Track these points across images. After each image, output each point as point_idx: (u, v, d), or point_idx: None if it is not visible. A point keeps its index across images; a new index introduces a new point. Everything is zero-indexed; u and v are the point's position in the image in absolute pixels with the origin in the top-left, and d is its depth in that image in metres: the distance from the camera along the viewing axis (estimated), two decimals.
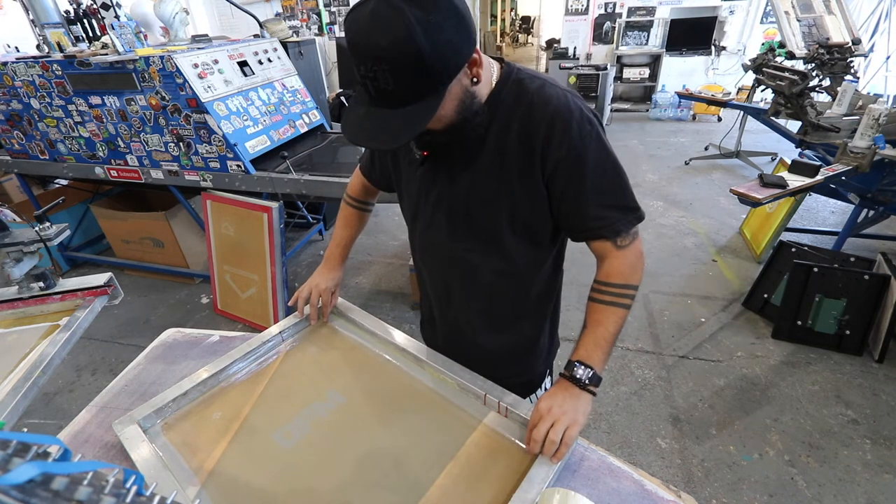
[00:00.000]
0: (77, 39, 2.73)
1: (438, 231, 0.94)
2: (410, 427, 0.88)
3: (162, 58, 2.27)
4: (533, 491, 0.73)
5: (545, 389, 1.14)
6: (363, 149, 1.36)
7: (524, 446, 0.81)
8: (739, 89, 4.40)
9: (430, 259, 1.02)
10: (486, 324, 1.02)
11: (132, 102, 2.47)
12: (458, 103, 0.73)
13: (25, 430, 0.41)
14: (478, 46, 0.72)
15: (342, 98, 4.82)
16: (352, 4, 0.66)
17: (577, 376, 0.83)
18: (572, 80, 5.78)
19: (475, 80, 0.74)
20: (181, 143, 2.52)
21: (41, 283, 1.21)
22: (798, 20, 3.28)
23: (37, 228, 1.18)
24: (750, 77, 3.57)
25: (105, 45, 2.56)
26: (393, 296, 2.94)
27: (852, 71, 3.00)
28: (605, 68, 5.76)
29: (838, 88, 2.83)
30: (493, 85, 0.80)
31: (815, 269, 2.26)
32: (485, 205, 0.86)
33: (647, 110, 6.71)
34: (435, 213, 0.92)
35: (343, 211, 1.18)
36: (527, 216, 0.86)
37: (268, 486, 0.78)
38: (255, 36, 3.18)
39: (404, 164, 0.95)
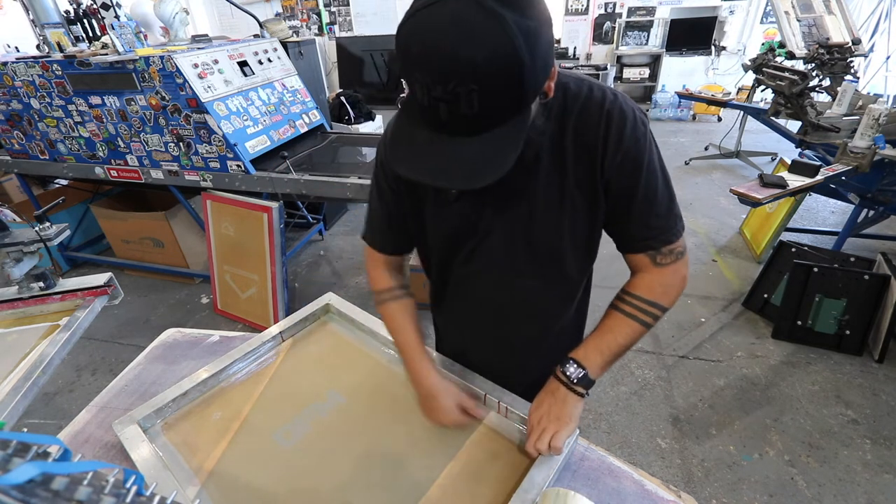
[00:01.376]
0: (77, 39, 2.73)
1: (488, 258, 0.84)
2: (410, 427, 0.88)
3: (162, 58, 2.27)
4: (533, 491, 0.73)
5: None
6: (365, 188, 1.15)
7: (524, 443, 0.81)
8: (739, 89, 4.40)
9: (470, 291, 0.92)
10: (534, 345, 0.97)
11: (132, 102, 2.47)
12: (529, 120, 0.62)
13: (25, 430, 0.41)
14: None
15: (342, 98, 4.83)
16: (414, 4, 0.53)
17: (567, 374, 0.80)
18: None
19: (545, 94, 0.62)
20: (181, 143, 2.52)
21: (41, 283, 1.21)
22: (798, 20, 3.28)
23: (37, 228, 1.18)
24: (750, 77, 3.57)
25: (105, 45, 2.56)
26: None
27: (852, 71, 2.99)
28: (605, 68, 5.77)
29: (838, 88, 2.83)
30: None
31: (815, 269, 2.26)
32: (547, 225, 0.78)
33: (647, 110, 6.71)
34: (484, 240, 0.82)
35: (388, 314, 0.94)
36: (588, 230, 0.80)
37: (268, 486, 0.78)
38: (255, 36, 3.18)
39: (429, 201, 0.82)
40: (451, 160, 0.56)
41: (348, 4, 7.48)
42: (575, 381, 0.80)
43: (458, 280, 0.92)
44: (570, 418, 0.79)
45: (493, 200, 0.77)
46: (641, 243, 0.78)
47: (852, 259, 2.42)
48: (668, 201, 0.76)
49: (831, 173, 2.27)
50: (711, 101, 4.42)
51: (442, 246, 0.87)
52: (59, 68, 2.48)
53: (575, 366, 0.80)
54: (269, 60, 2.89)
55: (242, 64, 2.68)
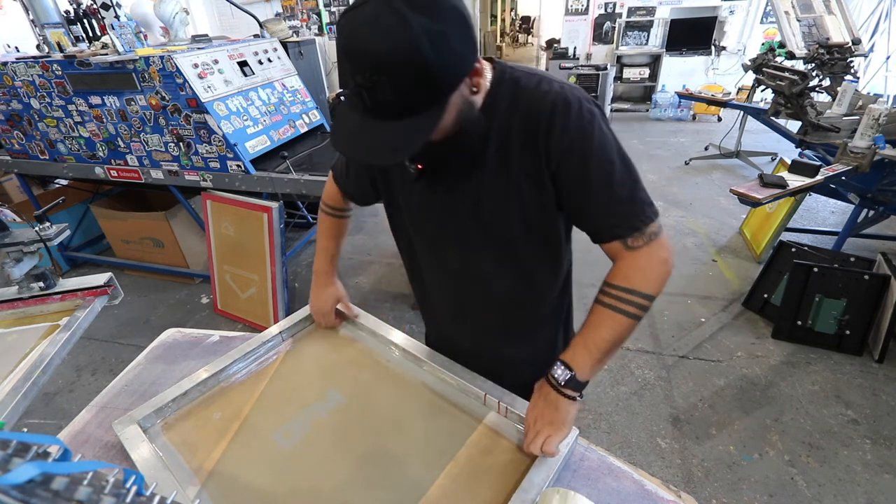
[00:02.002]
0: (77, 39, 2.73)
1: (446, 245, 0.90)
2: (410, 427, 0.88)
3: (162, 58, 2.27)
4: (533, 491, 0.73)
5: None
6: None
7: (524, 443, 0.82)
8: (739, 89, 4.40)
9: (437, 276, 0.98)
10: (503, 337, 0.99)
11: (132, 102, 2.47)
12: (456, 114, 0.69)
13: (25, 430, 0.41)
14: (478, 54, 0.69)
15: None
16: (348, 6, 0.62)
17: (555, 376, 0.80)
18: (572, 80, 5.78)
19: (475, 89, 0.70)
20: (181, 143, 2.52)
21: (41, 283, 1.21)
22: (798, 20, 3.28)
23: (37, 228, 1.18)
24: (750, 77, 3.57)
25: (105, 45, 2.56)
26: (393, 296, 2.94)
27: (852, 71, 3.00)
28: (605, 68, 5.76)
29: (838, 88, 2.83)
30: (488, 88, 0.76)
31: (815, 269, 2.26)
32: (496, 211, 0.81)
33: (647, 110, 6.70)
34: (441, 226, 0.88)
35: (323, 223, 1.13)
36: (538, 217, 0.82)
37: (268, 486, 0.78)
38: (255, 36, 3.18)
39: (398, 179, 0.89)
40: (376, 141, 0.65)
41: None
42: (563, 383, 0.79)
43: (426, 269, 0.98)
44: (563, 423, 0.79)
45: (448, 184, 0.83)
46: (608, 232, 0.78)
47: (852, 259, 2.42)
48: (630, 187, 0.76)
49: (831, 173, 2.27)
50: (711, 101, 4.43)
51: (411, 226, 0.94)
52: (59, 68, 2.48)
53: (562, 368, 0.80)
54: (269, 60, 2.89)
55: (242, 64, 2.68)
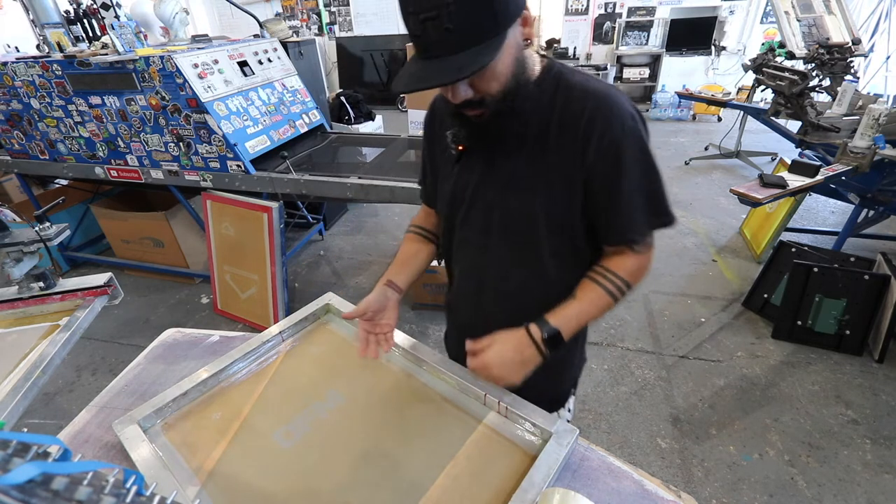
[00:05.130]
0: (77, 39, 2.73)
1: (472, 228, 0.90)
2: (410, 427, 0.88)
3: (162, 58, 2.27)
4: (533, 491, 0.73)
5: (570, 411, 1.09)
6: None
7: (523, 443, 0.81)
8: (739, 89, 4.40)
9: (461, 258, 0.98)
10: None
11: (132, 102, 2.47)
12: (513, 59, 0.70)
13: (25, 430, 0.41)
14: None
15: (342, 98, 4.83)
16: None
17: (538, 327, 0.81)
18: None
19: (527, 40, 0.72)
20: (181, 143, 2.52)
21: (41, 283, 1.21)
22: (798, 20, 3.28)
23: (37, 228, 1.18)
24: (750, 77, 3.57)
25: (105, 45, 2.56)
26: None
27: (852, 71, 3.00)
28: (605, 68, 5.78)
29: (838, 88, 2.83)
30: (536, 75, 0.77)
31: (815, 269, 2.26)
32: (522, 199, 0.82)
33: (647, 110, 6.70)
34: (470, 209, 0.89)
35: (405, 241, 1.08)
36: (563, 213, 0.81)
37: (268, 486, 0.78)
38: (255, 36, 3.18)
39: (441, 163, 0.93)
40: (435, 71, 0.67)
41: (348, 4, 7.49)
42: (546, 336, 0.81)
43: (455, 250, 0.98)
44: (518, 373, 0.81)
45: (483, 168, 0.84)
46: (621, 237, 0.81)
47: (852, 259, 2.42)
48: (656, 198, 0.79)
49: (831, 173, 2.27)
50: (711, 101, 4.43)
51: (445, 209, 0.95)
52: (59, 68, 2.48)
53: (548, 325, 0.82)
54: (269, 60, 2.89)
55: (242, 64, 2.68)
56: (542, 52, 0.81)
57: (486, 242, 0.89)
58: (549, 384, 0.99)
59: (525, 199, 0.81)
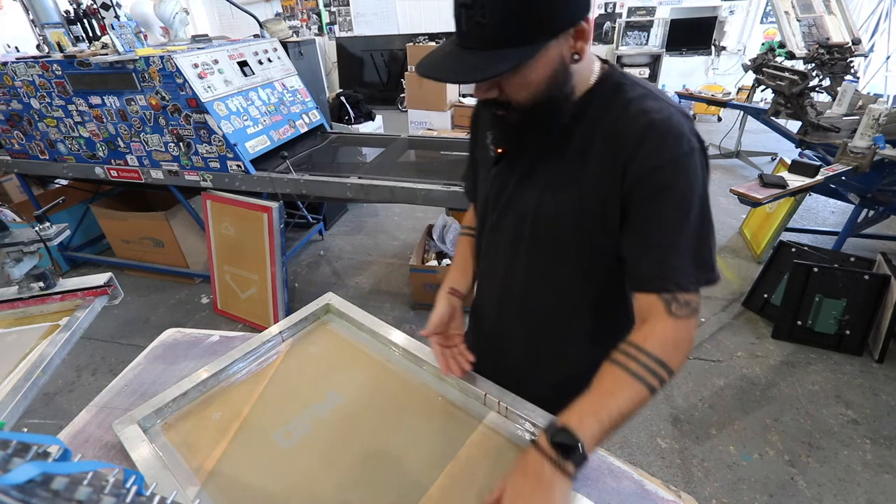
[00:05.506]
0: (77, 39, 2.73)
1: (502, 235, 0.86)
2: (410, 427, 0.88)
3: (162, 58, 2.27)
4: None
5: None
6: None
7: (524, 443, 0.81)
8: (739, 89, 4.40)
9: (487, 265, 0.95)
10: (532, 343, 0.93)
11: (132, 102, 2.47)
12: (551, 73, 0.64)
13: (25, 430, 0.41)
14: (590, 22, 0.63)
15: (342, 98, 4.83)
16: None
17: (554, 443, 0.64)
18: None
19: (576, 56, 0.65)
20: (181, 143, 2.52)
21: (41, 283, 1.21)
22: (798, 20, 3.28)
23: (37, 228, 1.18)
24: (750, 77, 3.57)
25: (105, 45, 2.56)
26: (393, 296, 2.94)
27: (852, 71, 3.00)
28: None
29: (838, 88, 2.83)
30: (591, 84, 0.71)
31: (815, 269, 2.26)
32: (555, 212, 0.76)
33: None
34: (502, 216, 0.84)
35: (459, 244, 1.08)
36: (593, 231, 0.74)
37: (268, 486, 0.78)
38: (255, 36, 3.18)
39: (482, 162, 0.90)
40: (458, 65, 0.63)
41: (348, 4, 7.48)
42: (565, 455, 0.63)
43: (484, 253, 0.95)
44: (548, 498, 0.62)
45: (520, 174, 0.80)
46: (655, 281, 0.68)
47: (852, 259, 2.42)
48: (698, 242, 0.67)
49: (831, 173, 2.27)
50: (711, 101, 4.43)
51: (482, 209, 0.92)
52: (59, 68, 2.48)
53: (565, 434, 0.64)
54: (269, 60, 2.89)
55: (242, 64, 2.68)
56: (603, 59, 0.75)
57: (514, 252, 0.85)
58: (555, 398, 0.90)
59: (559, 208, 0.75)
